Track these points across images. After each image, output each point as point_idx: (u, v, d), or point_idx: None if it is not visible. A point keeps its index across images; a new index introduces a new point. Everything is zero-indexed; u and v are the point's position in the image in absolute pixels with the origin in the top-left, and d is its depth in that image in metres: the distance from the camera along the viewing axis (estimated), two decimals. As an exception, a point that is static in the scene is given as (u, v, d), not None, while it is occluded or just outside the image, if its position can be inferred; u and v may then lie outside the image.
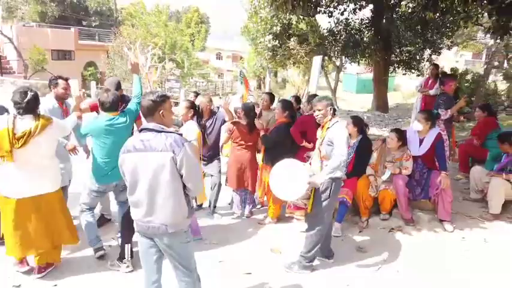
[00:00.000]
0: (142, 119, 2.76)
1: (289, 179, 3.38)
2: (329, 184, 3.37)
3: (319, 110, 3.47)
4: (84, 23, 33.18)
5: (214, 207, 4.93)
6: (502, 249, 3.88)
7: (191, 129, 4.08)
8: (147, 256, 2.59)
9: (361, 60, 15.90)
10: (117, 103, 3.55)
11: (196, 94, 7.35)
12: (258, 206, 5.16)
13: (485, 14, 7.48)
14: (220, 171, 4.92)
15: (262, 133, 4.63)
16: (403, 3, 12.32)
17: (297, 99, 5.71)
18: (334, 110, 3.52)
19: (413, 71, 15.72)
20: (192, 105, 4.35)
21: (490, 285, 3.31)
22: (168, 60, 22.32)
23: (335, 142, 3.34)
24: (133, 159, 2.40)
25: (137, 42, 15.85)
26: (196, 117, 4.37)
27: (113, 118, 3.48)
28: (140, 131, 2.48)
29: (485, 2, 7.12)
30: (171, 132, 2.47)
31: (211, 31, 45.26)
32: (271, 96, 5.37)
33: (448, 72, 13.20)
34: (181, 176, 2.42)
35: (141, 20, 24.68)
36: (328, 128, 3.44)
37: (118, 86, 4.25)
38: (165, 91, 12.98)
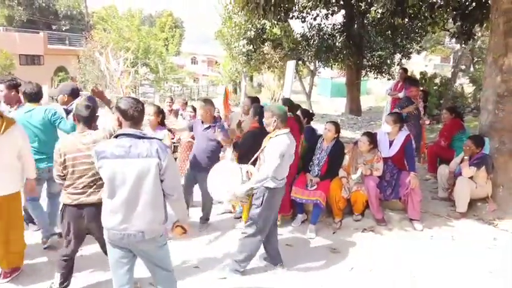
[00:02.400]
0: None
1: (221, 182, 3.42)
2: (262, 193, 3.36)
3: (266, 119, 3.41)
4: (53, 27, 32.37)
5: (207, 219, 4.72)
6: (468, 247, 4.02)
7: (162, 137, 4.03)
8: (117, 266, 2.54)
9: (334, 64, 16.22)
10: (38, 95, 3.84)
11: (172, 99, 7.31)
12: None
13: (451, 20, 7.78)
14: None
15: (234, 141, 4.65)
16: (372, 9, 12.66)
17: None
18: (285, 121, 3.39)
19: (384, 75, 16.16)
20: (160, 111, 4.31)
21: (457, 282, 3.42)
22: (141, 65, 21.99)
23: (266, 157, 3.31)
24: (112, 166, 2.35)
25: (109, 47, 15.54)
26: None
27: (33, 109, 3.73)
28: (116, 136, 2.44)
29: (450, 8, 7.42)
30: (152, 138, 2.48)
31: (186, 35, 44.98)
32: (253, 101, 5.32)
33: (418, 76, 13.67)
34: (162, 182, 2.43)
35: (113, 24, 24.22)
36: (271, 138, 3.39)
37: (73, 92, 4.15)
38: (139, 96, 12.83)
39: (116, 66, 14.38)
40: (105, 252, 2.66)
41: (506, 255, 3.79)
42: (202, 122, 4.43)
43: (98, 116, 3.51)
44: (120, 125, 2.49)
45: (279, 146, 3.26)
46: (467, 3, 7.20)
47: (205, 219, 4.69)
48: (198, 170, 4.38)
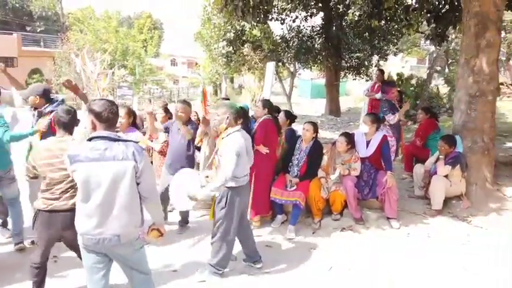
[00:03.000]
0: None
1: (181, 190, 3.42)
2: (224, 194, 3.35)
3: (217, 115, 3.37)
4: (28, 28, 31.49)
5: (186, 222, 4.68)
6: (443, 243, 4.11)
7: (134, 139, 3.97)
8: (93, 272, 2.48)
9: (314, 66, 16.39)
10: None
11: (150, 101, 7.22)
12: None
13: (425, 22, 7.97)
14: None
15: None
16: (350, 11, 12.86)
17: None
18: (238, 119, 3.36)
19: (362, 76, 16.40)
20: (132, 112, 4.25)
21: (432, 278, 3.49)
22: (119, 67, 21.64)
23: (221, 159, 3.27)
24: (87, 169, 2.30)
25: (85, 49, 15.23)
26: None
27: None
28: (90, 139, 2.38)
29: (424, 11, 7.61)
30: (128, 140, 2.44)
31: (165, 37, 44.63)
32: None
33: (395, 77, 13.94)
34: (138, 185, 2.40)
35: (90, 26, 23.78)
36: (223, 138, 3.34)
37: (45, 93, 4.03)
38: (117, 98, 12.60)
39: (93, 68, 14.08)
40: (80, 258, 2.60)
41: (479, 251, 3.89)
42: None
43: (79, 120, 3.43)
44: (94, 127, 2.44)
45: (233, 144, 3.22)
46: (440, 6, 7.40)
47: (184, 222, 4.65)
48: (175, 172, 4.32)
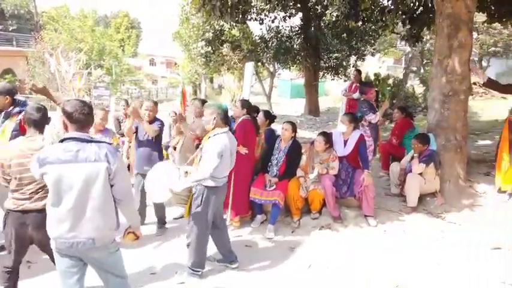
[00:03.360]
0: None
1: (158, 182, 3.41)
2: (201, 192, 3.38)
3: (204, 116, 3.42)
4: (-1, 26, 30.42)
5: (164, 223, 4.65)
6: (418, 240, 4.20)
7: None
8: (67, 276, 2.42)
9: (293, 66, 16.49)
10: None
11: (127, 102, 7.07)
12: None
13: (401, 23, 8.14)
14: None
15: (196, 142, 4.60)
16: (328, 12, 12.99)
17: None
18: (225, 121, 3.42)
19: (340, 76, 16.61)
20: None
21: (408, 274, 3.56)
22: (95, 67, 21.22)
23: (204, 156, 3.31)
24: (58, 171, 2.24)
25: (59, 48, 14.85)
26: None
27: None
28: (62, 141, 2.33)
29: (399, 12, 7.76)
30: (101, 141, 2.39)
31: (143, 37, 44.00)
32: (203, 103, 5.27)
33: (372, 77, 14.19)
34: (111, 187, 2.36)
35: (65, 25, 23.22)
36: (209, 137, 3.38)
37: (10, 91, 3.87)
38: (93, 99, 12.36)
39: (67, 68, 13.74)
40: (54, 261, 2.53)
41: (452, 247, 3.99)
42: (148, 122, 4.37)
43: (50, 118, 3.33)
44: (66, 128, 2.38)
45: (217, 145, 3.27)
46: (415, 8, 7.56)
47: (161, 223, 4.60)
48: (145, 171, 4.34)
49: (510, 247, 3.88)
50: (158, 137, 4.51)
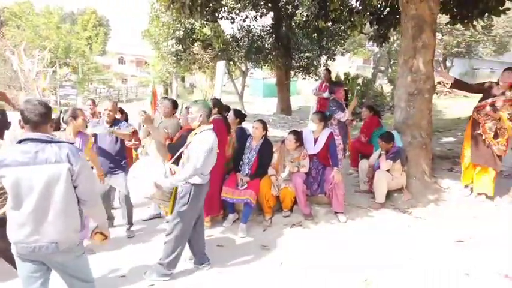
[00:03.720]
0: None
1: (144, 177, 3.40)
2: (188, 190, 3.36)
3: (191, 113, 3.43)
4: (-44, 22, 28.83)
5: (132, 224, 4.56)
6: (387, 234, 4.32)
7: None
8: (29, 282, 2.32)
9: (264, 65, 16.54)
10: None
11: (94, 102, 6.85)
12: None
13: (368, 24, 8.31)
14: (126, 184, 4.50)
15: (168, 142, 4.52)
16: (298, 12, 13.11)
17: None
18: (208, 117, 3.44)
19: (311, 75, 16.82)
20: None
21: (377, 268, 3.65)
22: (61, 65, 20.52)
23: (192, 153, 3.28)
24: (16, 174, 2.14)
25: (22, 45, 14.25)
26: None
27: None
28: (19, 142, 2.22)
29: (367, 13, 7.93)
30: (62, 141, 2.30)
31: (112, 34, 42.94)
32: (173, 103, 5.20)
33: (342, 76, 14.45)
34: (75, 188, 2.28)
35: (28, 21, 22.29)
36: (196, 134, 3.39)
37: None
38: (59, 98, 11.95)
39: (31, 67, 13.21)
40: (15, 267, 2.43)
41: (419, 241, 4.13)
42: (107, 123, 4.32)
43: (10, 122, 3.20)
44: (23, 128, 2.29)
45: (206, 141, 3.28)
46: (381, 9, 7.75)
47: (129, 223, 4.52)
48: (110, 174, 4.34)
49: (472, 240, 4.05)
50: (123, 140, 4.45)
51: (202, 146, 3.25)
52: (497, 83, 4.83)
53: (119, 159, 4.42)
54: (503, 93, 4.72)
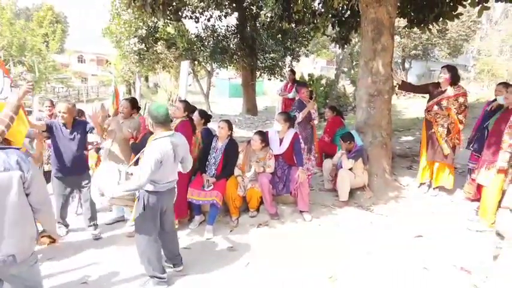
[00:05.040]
0: None
1: (99, 183, 3.34)
2: (141, 196, 3.28)
3: (150, 124, 3.28)
4: None
5: (96, 225, 4.46)
6: (350, 231, 4.44)
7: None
8: None
9: (230, 65, 16.51)
10: None
11: (52, 102, 6.56)
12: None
13: (331, 26, 8.51)
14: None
15: (131, 141, 4.42)
16: (262, 12, 13.21)
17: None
18: (160, 123, 3.20)
19: (277, 76, 16.99)
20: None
21: (339, 264, 3.74)
22: (15, 63, 19.49)
23: (142, 160, 3.18)
24: None
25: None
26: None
27: None
28: None
29: (329, 15, 8.10)
30: (8, 148, 2.16)
31: (70, 32, 41.32)
32: (132, 103, 5.06)
33: (306, 77, 14.71)
34: (27, 196, 2.16)
35: (-22, 17, 21.05)
36: (151, 140, 3.26)
37: None
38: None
39: (-19, 64, 12.44)
40: None
41: (380, 237, 4.27)
42: (65, 125, 4.14)
43: None
44: None
45: (155, 150, 3.08)
46: (343, 12, 7.95)
47: (93, 219, 4.45)
48: (72, 176, 4.24)
49: (430, 235, 4.24)
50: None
51: (151, 155, 3.05)
52: (438, 83, 5.12)
53: (79, 160, 4.26)
54: (445, 91, 5.00)
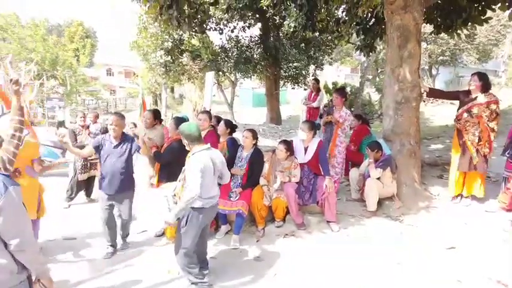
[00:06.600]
0: None
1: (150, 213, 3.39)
2: (186, 214, 3.34)
3: (186, 144, 3.39)
4: None
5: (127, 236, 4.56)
6: (379, 242, 4.33)
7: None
8: None
9: (253, 75, 16.64)
10: None
11: (84, 114, 6.80)
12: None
13: (355, 34, 8.45)
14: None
15: (154, 150, 4.52)
16: (286, 22, 13.27)
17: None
18: (194, 139, 3.33)
19: (300, 85, 16.98)
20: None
21: (370, 274, 3.66)
22: (48, 77, 20.34)
23: (187, 176, 3.28)
24: None
25: (8, 58, 14.08)
26: None
27: None
28: None
29: (353, 23, 8.06)
30: None
31: (99, 46, 42.76)
32: (154, 114, 5.17)
33: (330, 85, 14.62)
34: None
35: (14, 34, 22.12)
36: (189, 156, 3.36)
37: None
38: (47, 110, 11.80)
39: (18, 79, 13.03)
40: None
41: (411, 248, 4.15)
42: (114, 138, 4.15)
43: None
44: None
45: (196, 162, 3.23)
46: (367, 19, 7.89)
47: (125, 237, 4.49)
48: (116, 192, 4.11)
49: (463, 246, 4.08)
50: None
51: (194, 168, 3.18)
52: (469, 91, 4.96)
53: (125, 175, 4.12)
54: (476, 98, 4.84)
